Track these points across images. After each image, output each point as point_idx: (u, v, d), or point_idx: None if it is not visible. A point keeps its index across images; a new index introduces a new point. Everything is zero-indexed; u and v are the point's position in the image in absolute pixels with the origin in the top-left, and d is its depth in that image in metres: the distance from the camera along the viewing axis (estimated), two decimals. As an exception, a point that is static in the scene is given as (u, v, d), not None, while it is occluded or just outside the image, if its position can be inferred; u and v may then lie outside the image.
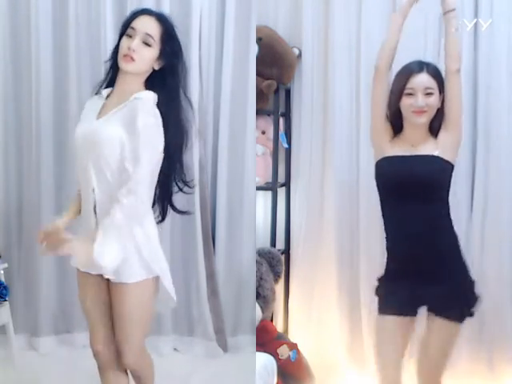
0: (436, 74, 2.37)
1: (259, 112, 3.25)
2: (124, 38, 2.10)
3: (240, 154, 3.36)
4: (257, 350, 2.79)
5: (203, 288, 3.32)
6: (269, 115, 3.32)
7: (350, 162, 3.15)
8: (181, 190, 2.27)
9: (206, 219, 3.33)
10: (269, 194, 3.29)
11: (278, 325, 3.33)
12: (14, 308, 3.25)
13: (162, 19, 2.14)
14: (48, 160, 3.26)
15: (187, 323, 3.39)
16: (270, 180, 3.27)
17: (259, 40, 3.14)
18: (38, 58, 3.23)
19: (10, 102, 3.36)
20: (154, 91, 2.11)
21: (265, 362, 2.71)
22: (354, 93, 3.12)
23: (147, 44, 2.08)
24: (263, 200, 3.41)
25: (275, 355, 2.84)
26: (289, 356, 2.89)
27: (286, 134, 3.28)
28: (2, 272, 3.15)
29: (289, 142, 3.29)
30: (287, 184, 3.34)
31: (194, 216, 3.28)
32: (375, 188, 3.05)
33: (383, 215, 2.46)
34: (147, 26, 2.09)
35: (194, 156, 3.24)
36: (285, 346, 2.90)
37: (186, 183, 2.28)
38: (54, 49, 3.26)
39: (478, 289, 2.37)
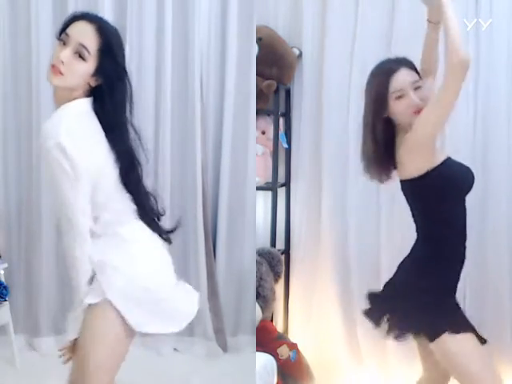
0: (412, 65, 2.15)
1: (259, 112, 3.25)
2: (57, 44, 1.79)
3: (241, 154, 3.37)
4: (257, 350, 2.79)
5: (203, 288, 3.32)
6: (269, 115, 3.32)
7: (350, 161, 3.15)
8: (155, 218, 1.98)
9: (207, 219, 3.34)
10: (269, 194, 3.28)
11: (278, 325, 3.33)
12: (14, 308, 3.25)
13: (103, 28, 1.79)
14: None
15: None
16: (270, 180, 3.27)
17: (259, 40, 3.14)
18: (38, 58, 3.23)
19: (10, 102, 3.36)
20: (96, 110, 1.81)
21: (265, 362, 2.71)
22: (353, 92, 3.12)
23: (81, 56, 1.75)
24: (263, 200, 3.40)
25: (275, 355, 2.83)
26: (289, 356, 2.89)
27: (285, 134, 3.28)
28: (2, 272, 3.16)
29: (289, 142, 3.29)
30: (287, 184, 3.34)
31: (195, 216, 3.29)
32: (371, 188, 3.08)
33: (432, 217, 2.15)
34: (83, 35, 1.75)
35: (197, 158, 3.26)
36: (285, 346, 2.90)
37: (155, 213, 1.98)
38: (54, 49, 3.25)
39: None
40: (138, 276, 1.83)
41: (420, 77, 2.15)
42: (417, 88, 2.09)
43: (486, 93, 2.93)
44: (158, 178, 3.27)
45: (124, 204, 1.88)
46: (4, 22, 3.30)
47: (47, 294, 3.30)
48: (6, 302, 3.12)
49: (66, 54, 1.75)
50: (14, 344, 3.15)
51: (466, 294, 2.96)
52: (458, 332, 2.06)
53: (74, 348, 1.87)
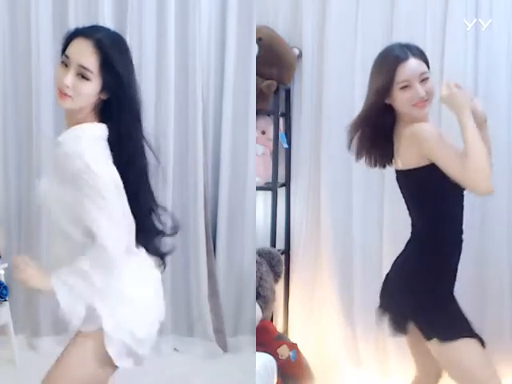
0: (422, 54, 2.09)
1: (259, 112, 3.25)
2: (59, 66, 1.76)
3: (241, 154, 3.37)
4: (257, 350, 2.79)
5: (203, 288, 3.33)
6: (269, 115, 3.32)
7: (348, 161, 3.15)
8: (163, 233, 1.95)
9: (207, 219, 3.34)
10: (269, 194, 3.28)
11: (278, 325, 3.33)
12: (14, 308, 3.25)
13: (101, 43, 1.73)
14: (48, 160, 3.26)
15: (187, 323, 3.40)
16: (270, 180, 3.27)
17: (259, 40, 3.14)
18: (37, 58, 3.23)
19: (10, 102, 3.37)
20: (108, 122, 1.79)
21: (265, 362, 2.71)
22: (354, 92, 3.12)
23: (84, 77, 1.72)
24: (263, 200, 3.40)
25: (275, 355, 2.83)
26: (289, 356, 2.88)
27: (285, 134, 3.28)
28: (2, 272, 3.16)
29: (289, 142, 3.29)
30: (287, 184, 3.34)
31: (196, 216, 3.29)
32: (372, 188, 3.08)
33: (427, 212, 2.13)
34: (82, 55, 1.72)
35: (198, 155, 3.26)
36: (285, 346, 2.90)
37: (158, 233, 1.93)
38: (54, 49, 3.25)
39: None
40: (128, 321, 1.80)
41: (429, 67, 2.10)
42: (424, 80, 2.03)
43: (485, 93, 2.93)
44: (159, 178, 3.26)
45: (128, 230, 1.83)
46: (4, 22, 3.31)
47: (47, 294, 3.29)
48: (6, 302, 3.12)
49: (69, 78, 1.72)
50: (13, 344, 3.15)
51: (466, 293, 2.96)
52: (467, 336, 2.03)
53: None
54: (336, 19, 3.12)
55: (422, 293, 2.07)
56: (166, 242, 1.99)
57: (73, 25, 3.19)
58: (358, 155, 2.25)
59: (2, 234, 3.27)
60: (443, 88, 2.03)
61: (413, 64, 2.03)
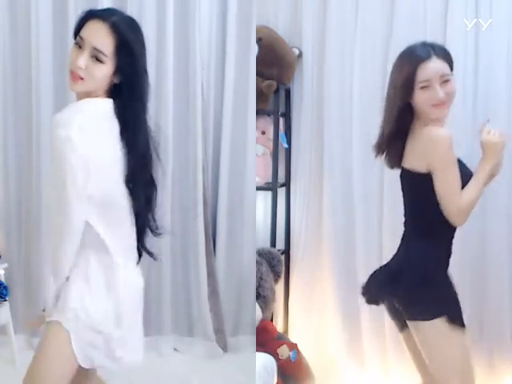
0: (445, 54, 2.07)
1: (259, 112, 3.25)
2: (73, 48, 1.74)
3: (240, 155, 3.37)
4: (257, 350, 2.79)
5: (203, 288, 3.33)
6: (269, 115, 3.32)
7: (349, 161, 3.15)
8: (152, 231, 1.92)
9: (207, 219, 3.34)
10: (269, 194, 3.28)
11: (278, 325, 3.33)
12: (14, 308, 3.25)
13: (117, 26, 1.71)
14: (48, 160, 3.26)
15: (187, 323, 3.40)
16: (270, 180, 3.27)
17: (259, 40, 3.14)
18: (37, 58, 3.23)
19: (10, 101, 3.36)
20: (117, 111, 1.77)
21: (265, 362, 2.71)
22: (354, 92, 3.12)
23: (98, 59, 1.71)
24: (263, 200, 3.40)
25: (275, 355, 2.83)
26: (289, 356, 2.88)
27: (285, 134, 3.28)
28: (2, 272, 3.15)
29: (289, 142, 3.29)
30: (287, 184, 3.34)
31: (195, 216, 3.29)
32: (372, 188, 3.08)
33: (424, 214, 2.13)
34: (96, 38, 1.70)
35: (197, 155, 3.26)
36: (285, 346, 2.90)
37: (153, 227, 1.91)
38: (54, 48, 3.26)
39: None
40: (95, 319, 1.77)
41: (452, 68, 2.09)
42: (445, 81, 2.02)
43: (485, 93, 2.93)
44: (159, 178, 3.26)
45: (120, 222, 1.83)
46: (4, 22, 3.30)
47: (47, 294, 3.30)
48: (6, 302, 3.12)
49: (83, 59, 1.70)
50: (13, 344, 3.15)
51: (466, 294, 2.96)
52: (453, 320, 2.02)
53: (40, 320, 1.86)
54: (336, 19, 3.12)
55: (409, 275, 2.05)
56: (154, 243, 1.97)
57: (73, 24, 3.20)
58: (377, 152, 2.24)
59: (2, 234, 3.27)
60: (484, 133, 2.09)
61: (435, 65, 2.02)
